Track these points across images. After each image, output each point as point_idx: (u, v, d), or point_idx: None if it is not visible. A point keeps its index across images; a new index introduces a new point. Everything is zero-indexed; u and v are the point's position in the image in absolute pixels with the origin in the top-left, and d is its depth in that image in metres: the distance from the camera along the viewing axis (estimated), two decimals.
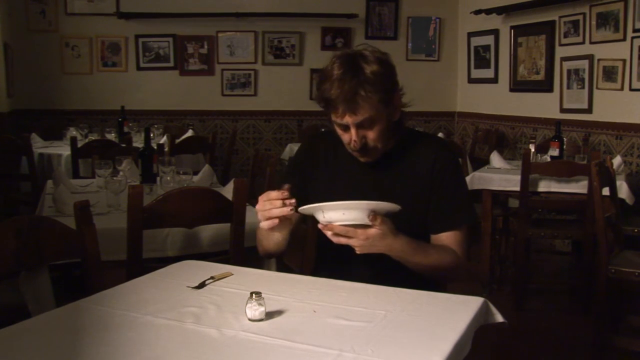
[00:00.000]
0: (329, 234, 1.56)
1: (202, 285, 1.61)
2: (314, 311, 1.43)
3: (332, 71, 1.72)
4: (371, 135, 1.75)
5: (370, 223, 1.54)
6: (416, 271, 1.74)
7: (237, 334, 1.30)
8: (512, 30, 5.54)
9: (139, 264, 2.13)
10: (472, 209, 1.91)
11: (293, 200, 1.60)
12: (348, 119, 1.72)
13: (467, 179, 3.87)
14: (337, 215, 1.52)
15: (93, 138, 4.72)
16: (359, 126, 1.73)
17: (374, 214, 1.53)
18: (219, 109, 6.31)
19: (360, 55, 1.73)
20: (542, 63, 5.20)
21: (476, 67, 6.16)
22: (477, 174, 3.91)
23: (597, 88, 4.61)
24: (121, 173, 2.97)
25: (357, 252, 1.62)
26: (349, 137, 1.76)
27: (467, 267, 1.85)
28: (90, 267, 1.82)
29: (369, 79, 1.69)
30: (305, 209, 1.55)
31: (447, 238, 1.82)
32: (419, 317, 1.41)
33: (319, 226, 1.58)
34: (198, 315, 1.40)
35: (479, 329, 1.43)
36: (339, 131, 1.80)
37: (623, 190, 3.47)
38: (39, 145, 4.86)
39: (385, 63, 1.75)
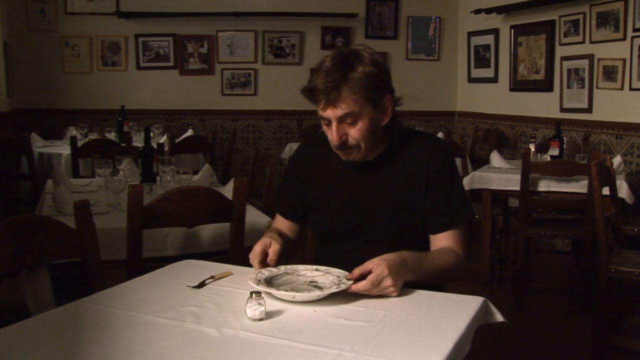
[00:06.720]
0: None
1: (202, 284, 1.61)
2: (314, 311, 1.43)
3: (324, 63, 1.73)
4: (353, 132, 1.74)
5: (348, 283, 1.53)
6: (428, 282, 1.69)
7: (237, 334, 1.30)
8: (512, 30, 5.54)
9: (139, 263, 2.13)
10: (468, 205, 1.91)
11: (271, 259, 1.67)
12: (329, 113, 1.72)
13: (467, 178, 3.88)
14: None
15: (93, 137, 4.72)
16: (341, 121, 1.72)
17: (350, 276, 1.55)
18: (218, 109, 6.30)
19: (356, 54, 1.73)
20: (542, 62, 5.20)
21: (476, 66, 6.15)
22: (477, 173, 3.91)
23: (597, 87, 4.61)
24: (121, 172, 2.96)
25: (394, 294, 1.55)
26: (332, 133, 1.75)
27: (466, 265, 1.84)
28: (90, 267, 1.82)
29: (357, 76, 1.69)
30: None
31: (446, 237, 1.82)
32: (419, 316, 1.41)
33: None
34: (198, 314, 1.41)
35: (478, 328, 1.44)
36: (324, 127, 1.79)
37: (623, 189, 3.47)
38: (38, 145, 4.86)
39: (380, 66, 1.75)
